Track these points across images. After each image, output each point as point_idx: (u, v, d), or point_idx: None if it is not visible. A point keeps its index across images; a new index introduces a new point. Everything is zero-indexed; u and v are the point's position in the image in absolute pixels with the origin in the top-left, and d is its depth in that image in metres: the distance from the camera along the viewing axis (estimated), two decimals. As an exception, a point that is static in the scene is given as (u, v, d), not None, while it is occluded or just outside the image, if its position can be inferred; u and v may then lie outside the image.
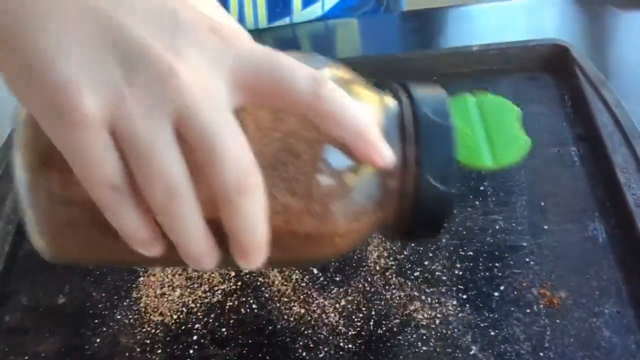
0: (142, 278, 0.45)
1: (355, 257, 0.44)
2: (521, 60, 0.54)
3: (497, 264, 0.43)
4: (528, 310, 0.40)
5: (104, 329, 0.43)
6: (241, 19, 0.63)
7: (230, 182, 0.22)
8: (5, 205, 0.50)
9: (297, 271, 0.44)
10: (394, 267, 0.44)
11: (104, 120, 0.22)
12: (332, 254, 0.28)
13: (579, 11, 0.63)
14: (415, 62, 0.55)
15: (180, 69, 0.22)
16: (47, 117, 0.22)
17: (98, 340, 0.42)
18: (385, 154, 0.25)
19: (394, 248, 0.45)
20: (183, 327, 0.42)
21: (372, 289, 0.43)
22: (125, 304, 0.44)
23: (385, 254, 0.44)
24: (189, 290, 0.44)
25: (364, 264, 0.44)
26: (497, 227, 0.45)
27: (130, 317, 0.43)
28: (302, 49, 0.64)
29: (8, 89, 0.24)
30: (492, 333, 0.39)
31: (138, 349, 0.41)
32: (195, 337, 0.42)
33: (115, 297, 0.44)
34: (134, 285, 0.45)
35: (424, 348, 0.39)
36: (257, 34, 0.64)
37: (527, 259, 0.43)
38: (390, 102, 0.28)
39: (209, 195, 0.23)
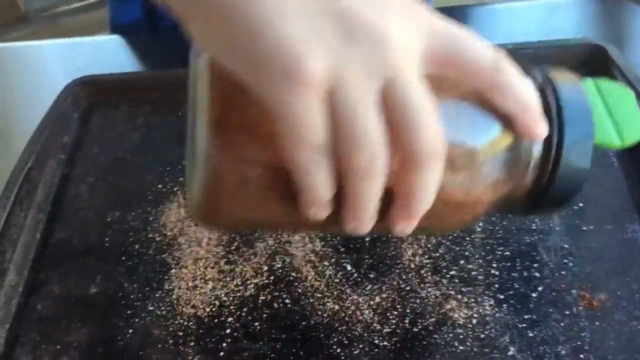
0: (174, 270, 0.45)
1: (389, 255, 0.44)
2: (555, 60, 0.54)
3: (534, 265, 0.42)
4: (567, 312, 0.40)
5: (136, 320, 0.43)
6: None
7: (424, 148, 0.24)
8: (36, 194, 0.50)
9: (330, 267, 0.44)
10: (429, 265, 0.43)
11: (324, 84, 0.23)
12: (468, 222, 0.30)
13: (603, 9, 0.62)
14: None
15: (392, 38, 0.23)
16: (268, 79, 0.23)
17: (130, 331, 0.42)
18: (543, 129, 0.27)
19: (429, 246, 0.44)
20: (216, 321, 0.42)
21: (407, 287, 0.42)
22: (157, 295, 0.44)
23: (420, 252, 0.44)
24: (221, 283, 0.44)
25: (398, 261, 0.44)
26: (534, 227, 0.44)
27: (162, 308, 0.43)
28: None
29: (208, 50, 0.25)
30: (531, 334, 0.39)
31: (170, 341, 0.41)
32: (228, 331, 0.41)
33: (147, 289, 0.44)
34: (166, 277, 0.45)
35: (461, 348, 0.39)
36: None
37: (566, 260, 0.42)
38: (534, 84, 0.29)
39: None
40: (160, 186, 0.51)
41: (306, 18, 0.23)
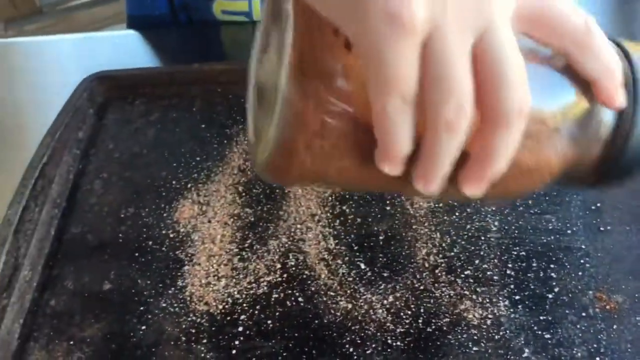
0: (187, 267, 0.45)
1: (403, 253, 0.44)
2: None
3: (551, 265, 0.42)
4: (583, 314, 0.39)
5: (149, 316, 0.43)
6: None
7: (512, 107, 0.24)
8: (51, 189, 0.50)
9: (344, 265, 0.44)
10: (443, 265, 0.43)
11: (424, 32, 0.23)
12: (536, 187, 0.30)
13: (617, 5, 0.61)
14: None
15: None
16: (370, 23, 0.23)
17: (144, 327, 0.42)
18: (622, 98, 0.27)
19: (444, 245, 0.44)
20: (228, 318, 0.42)
21: (421, 286, 0.42)
22: (170, 292, 0.44)
23: (435, 251, 0.44)
24: (234, 280, 0.44)
25: (412, 260, 0.43)
26: (551, 227, 0.44)
27: (175, 305, 0.43)
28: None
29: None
30: (546, 336, 0.38)
31: (183, 338, 0.41)
32: (240, 329, 0.41)
33: (161, 285, 0.44)
34: (179, 274, 0.45)
35: (475, 349, 0.39)
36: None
37: (582, 261, 0.42)
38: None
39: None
40: (174, 182, 0.51)
41: None
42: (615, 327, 0.38)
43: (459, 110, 0.23)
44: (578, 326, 0.39)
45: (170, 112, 0.57)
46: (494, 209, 0.45)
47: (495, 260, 0.43)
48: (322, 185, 0.46)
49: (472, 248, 0.43)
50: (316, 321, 0.41)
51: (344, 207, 0.47)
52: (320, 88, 0.26)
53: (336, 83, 0.26)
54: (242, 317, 0.42)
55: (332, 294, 0.42)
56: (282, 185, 0.47)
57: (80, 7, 1.40)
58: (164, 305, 0.43)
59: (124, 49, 0.68)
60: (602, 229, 0.43)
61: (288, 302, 0.42)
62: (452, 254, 0.43)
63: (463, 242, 0.44)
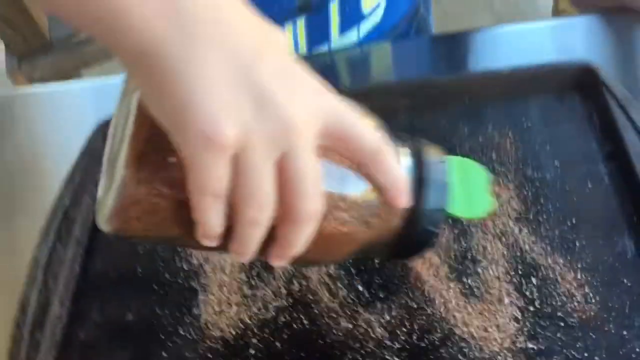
0: (201, 296, 0.49)
1: (397, 275, 0.48)
2: (550, 82, 0.57)
3: (532, 279, 0.46)
4: (562, 324, 0.43)
5: (169, 343, 0.47)
6: None
7: (306, 211, 0.30)
8: (74, 229, 0.54)
9: (343, 288, 0.48)
10: (433, 283, 0.47)
11: (233, 148, 0.28)
12: (346, 256, 0.38)
13: (606, 31, 0.65)
14: (447, 86, 0.59)
15: (297, 121, 0.29)
16: (188, 136, 0.28)
17: (165, 354, 0.46)
18: (403, 203, 0.35)
19: (434, 264, 0.48)
20: (241, 342, 0.46)
21: (414, 305, 0.46)
22: (187, 320, 0.48)
23: (425, 271, 0.48)
24: (244, 307, 0.48)
25: (405, 280, 0.47)
26: (530, 243, 0.48)
27: (192, 332, 0.47)
28: (339, 75, 0.68)
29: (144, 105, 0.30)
30: (530, 345, 0.42)
31: (201, 363, 0.46)
32: (252, 351, 0.46)
33: (178, 314, 0.49)
34: (195, 303, 0.49)
35: (464, 360, 0.43)
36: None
37: (560, 276, 0.45)
38: (406, 156, 0.36)
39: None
40: (185, 217, 0.55)
41: (226, 90, 0.28)
42: (591, 335, 0.42)
43: (260, 211, 0.29)
44: (558, 335, 0.43)
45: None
46: (481, 231, 0.49)
47: (480, 278, 0.46)
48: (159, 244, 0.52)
49: (460, 267, 0.47)
50: (320, 341, 0.45)
51: (342, 234, 0.51)
52: (153, 176, 0.31)
53: (167, 173, 0.31)
54: (254, 340, 0.46)
55: (333, 315, 0.47)
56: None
57: (92, 41, 1.45)
58: (182, 332, 0.47)
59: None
60: (577, 244, 0.47)
61: (294, 325, 0.46)
62: (442, 273, 0.47)
63: (451, 262, 0.48)
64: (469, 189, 0.39)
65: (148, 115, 0.30)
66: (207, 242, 0.31)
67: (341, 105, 0.31)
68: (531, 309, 0.44)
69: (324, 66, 0.67)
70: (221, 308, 0.48)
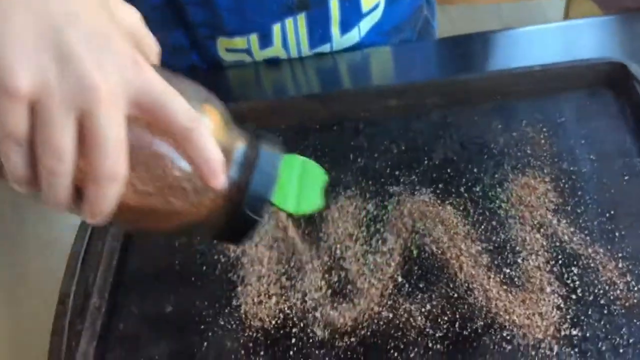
0: (239, 288, 0.50)
1: (436, 265, 0.48)
2: (582, 78, 0.57)
3: (572, 269, 0.46)
4: (605, 312, 0.43)
5: (210, 334, 0.47)
6: (285, 47, 0.68)
7: (105, 171, 0.30)
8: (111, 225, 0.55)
9: (383, 279, 0.48)
10: (474, 274, 0.47)
11: (28, 97, 0.29)
12: (175, 228, 0.37)
13: (633, 30, 0.65)
14: (479, 84, 0.59)
15: (100, 84, 0.29)
16: None
17: (205, 344, 0.47)
18: (218, 183, 0.34)
19: (474, 254, 0.48)
20: (281, 332, 0.46)
21: (455, 295, 0.46)
22: (226, 311, 0.48)
23: (465, 262, 0.48)
24: (283, 297, 0.48)
25: (445, 271, 0.48)
26: (570, 233, 0.48)
27: (232, 323, 0.47)
28: (369, 73, 0.69)
29: None
30: (573, 332, 0.42)
31: (242, 352, 0.46)
32: (293, 340, 0.46)
33: (217, 305, 0.49)
34: (233, 294, 0.49)
35: (509, 347, 0.43)
36: (301, 62, 0.69)
37: (601, 265, 0.46)
38: (241, 145, 0.36)
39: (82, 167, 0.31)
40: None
41: (31, 46, 0.29)
42: (636, 322, 0.42)
43: (59, 161, 0.30)
44: (602, 322, 0.43)
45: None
46: (519, 222, 0.49)
47: (520, 268, 0.47)
48: None
49: (499, 258, 0.47)
50: (362, 331, 0.45)
51: (378, 226, 0.52)
52: None
53: None
54: (294, 330, 0.46)
55: (373, 305, 0.47)
56: None
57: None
58: (222, 323, 0.48)
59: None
60: (617, 234, 0.47)
61: (334, 315, 0.47)
62: (481, 263, 0.47)
63: (490, 253, 0.48)
64: (303, 186, 0.40)
65: None
66: (17, 187, 0.32)
67: (157, 80, 0.32)
68: (573, 297, 0.44)
69: (354, 64, 0.68)
70: (260, 299, 0.49)
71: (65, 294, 0.50)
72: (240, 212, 0.35)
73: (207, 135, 0.33)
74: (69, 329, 0.48)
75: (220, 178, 0.34)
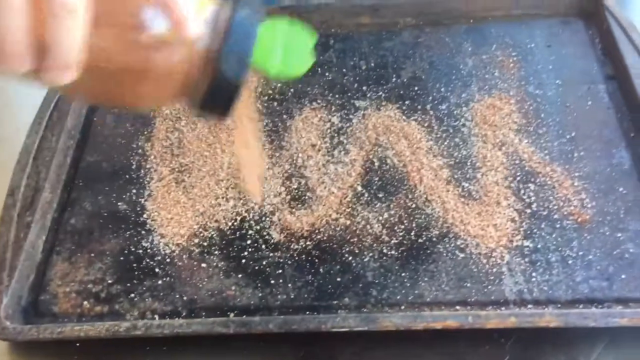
0: (196, 189, 0.49)
1: (397, 177, 0.48)
2: (555, 7, 0.57)
3: (529, 185, 0.46)
4: (558, 226, 0.44)
5: (163, 232, 0.46)
6: None
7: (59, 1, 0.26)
8: (67, 121, 0.53)
9: (342, 188, 0.48)
10: (433, 186, 0.47)
11: None
12: (155, 98, 0.34)
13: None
14: (452, 6, 0.58)
15: None
16: None
17: (159, 240, 0.46)
18: (190, 30, 0.30)
19: (435, 168, 0.48)
20: (237, 234, 0.46)
21: (413, 205, 0.46)
22: (182, 211, 0.47)
23: (425, 174, 0.48)
24: (241, 201, 0.48)
25: (405, 182, 0.48)
26: (531, 152, 0.48)
27: (187, 223, 0.47)
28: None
29: None
30: (525, 243, 0.43)
31: (196, 250, 0.45)
32: (249, 242, 0.45)
33: (173, 205, 0.48)
34: (190, 197, 0.48)
35: (462, 255, 0.43)
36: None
37: (557, 182, 0.46)
38: (215, 4, 0.33)
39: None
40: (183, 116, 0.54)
41: None
42: (586, 236, 0.43)
43: None
44: (553, 235, 0.43)
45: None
46: (482, 140, 0.49)
47: (479, 183, 0.47)
48: None
49: (459, 172, 0.48)
50: (318, 236, 0.45)
51: (342, 138, 0.51)
52: None
53: None
54: (250, 232, 0.46)
55: (331, 212, 0.46)
56: None
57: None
58: (176, 223, 0.47)
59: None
60: (575, 154, 0.48)
61: (291, 219, 0.46)
62: (441, 177, 0.48)
63: (450, 167, 0.48)
64: (289, 49, 0.37)
65: None
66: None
67: None
68: (528, 211, 0.45)
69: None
70: (218, 202, 0.48)
71: (15, 186, 0.49)
72: (217, 74, 0.32)
73: None
74: (17, 220, 0.47)
75: (192, 26, 0.30)
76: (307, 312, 0.41)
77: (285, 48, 0.37)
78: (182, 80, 0.32)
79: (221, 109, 0.35)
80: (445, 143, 0.50)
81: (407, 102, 0.53)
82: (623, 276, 0.41)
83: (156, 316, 0.42)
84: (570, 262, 0.42)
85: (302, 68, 0.37)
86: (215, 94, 0.33)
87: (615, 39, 0.53)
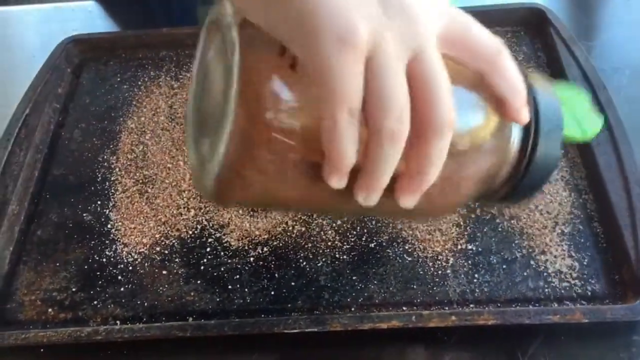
0: (159, 200, 0.51)
1: (350, 185, 0.50)
2: (501, 21, 0.60)
3: (474, 191, 0.49)
4: (500, 229, 0.46)
5: (126, 241, 0.48)
6: None
7: (441, 117, 0.26)
8: (34, 137, 0.55)
9: (298, 196, 0.50)
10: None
11: (367, 49, 0.25)
12: (459, 202, 0.33)
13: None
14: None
15: (420, 15, 0.27)
16: (322, 44, 0.25)
17: (124, 249, 0.48)
18: (527, 114, 0.31)
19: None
20: (197, 241, 0.48)
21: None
22: (143, 221, 0.49)
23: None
24: (202, 211, 0.50)
25: (357, 191, 0.50)
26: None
27: (148, 233, 0.49)
28: None
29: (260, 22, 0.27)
30: (469, 247, 0.46)
31: (158, 258, 0.47)
32: (208, 249, 0.47)
33: (135, 216, 0.50)
34: (153, 207, 0.50)
35: (409, 259, 0.45)
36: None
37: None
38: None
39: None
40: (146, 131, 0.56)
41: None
42: (523, 238, 0.46)
43: (400, 120, 0.26)
44: (494, 239, 0.46)
45: (141, 72, 0.62)
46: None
47: (429, 190, 0.49)
48: (268, 207, 0.48)
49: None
50: (275, 242, 0.47)
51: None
52: (267, 108, 0.27)
53: (282, 102, 0.27)
54: (210, 240, 0.48)
55: (288, 220, 0.49)
56: (226, 206, 0.49)
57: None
58: (139, 233, 0.49)
59: (96, 15, 0.73)
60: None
61: (249, 228, 0.48)
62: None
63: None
64: (576, 111, 0.36)
65: (254, 40, 0.27)
66: (337, 181, 0.27)
67: (456, 10, 0.30)
68: (472, 216, 0.47)
69: None
70: (180, 212, 0.50)
71: (-17, 200, 0.50)
72: (541, 152, 0.31)
73: (513, 61, 0.30)
74: (-15, 232, 0.49)
75: (526, 112, 0.30)
76: (262, 315, 0.43)
77: (574, 112, 0.36)
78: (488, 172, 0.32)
79: (533, 189, 0.34)
80: (397, 152, 0.52)
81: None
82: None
83: (118, 322, 0.44)
84: (510, 263, 0.45)
85: (598, 124, 0.37)
86: (532, 177, 0.32)
87: (557, 53, 0.56)
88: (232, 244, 0.48)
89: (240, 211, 0.49)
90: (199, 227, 0.49)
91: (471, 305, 0.43)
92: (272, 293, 0.45)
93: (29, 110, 0.56)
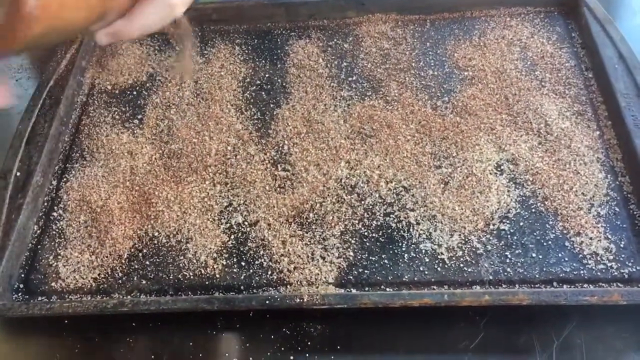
0: (188, 176, 0.50)
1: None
2: (535, 2, 0.59)
3: (507, 172, 0.48)
4: (534, 210, 0.45)
5: (152, 215, 0.48)
6: None
7: None
8: (59, 108, 0.54)
9: (327, 175, 0.49)
10: (414, 172, 0.48)
11: None
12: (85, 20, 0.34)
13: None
14: None
15: None
16: None
17: (149, 224, 0.47)
18: None
19: (415, 152, 0.49)
20: (224, 217, 0.47)
21: (394, 190, 0.48)
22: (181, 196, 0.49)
23: (407, 162, 0.49)
24: (228, 186, 0.49)
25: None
26: (513, 141, 0.50)
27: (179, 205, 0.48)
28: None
29: None
30: (502, 227, 0.45)
31: (183, 233, 0.46)
32: (234, 225, 0.47)
33: (172, 190, 0.49)
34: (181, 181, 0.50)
35: (439, 238, 0.45)
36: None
37: (536, 168, 0.48)
38: None
39: None
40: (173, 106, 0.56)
41: None
42: (559, 220, 0.45)
43: None
44: (529, 220, 0.45)
45: (165, 47, 0.61)
46: (464, 128, 0.51)
47: (461, 168, 0.48)
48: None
49: (441, 159, 0.49)
50: (301, 218, 0.47)
51: (327, 126, 0.52)
52: None
53: None
54: (235, 215, 0.47)
55: (316, 197, 0.48)
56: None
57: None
58: (164, 207, 0.48)
59: None
60: (554, 142, 0.49)
61: (276, 204, 0.48)
62: (425, 162, 0.49)
63: (435, 153, 0.49)
64: None
65: None
66: None
67: None
68: (506, 196, 0.46)
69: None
70: (205, 186, 0.49)
71: (7, 169, 0.50)
72: None
73: None
74: (9, 202, 0.48)
75: None
76: (289, 291, 0.43)
77: None
78: None
79: None
80: (427, 131, 0.51)
81: (391, 93, 0.54)
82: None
83: (143, 295, 0.43)
84: (544, 244, 0.43)
85: None
86: None
87: (592, 33, 0.54)
88: (259, 219, 0.47)
89: (267, 187, 0.48)
90: (224, 202, 0.48)
91: (504, 286, 0.42)
92: (300, 269, 0.44)
93: (53, 82, 0.55)
